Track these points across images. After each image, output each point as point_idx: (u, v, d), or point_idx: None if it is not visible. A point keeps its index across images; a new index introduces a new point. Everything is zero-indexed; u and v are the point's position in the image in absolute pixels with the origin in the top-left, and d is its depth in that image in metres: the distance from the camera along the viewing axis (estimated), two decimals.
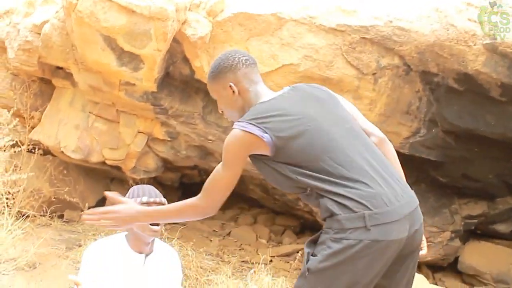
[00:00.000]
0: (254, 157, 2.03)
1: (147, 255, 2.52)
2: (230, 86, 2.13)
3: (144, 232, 2.44)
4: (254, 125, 1.96)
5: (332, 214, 1.87)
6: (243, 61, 2.16)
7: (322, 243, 1.89)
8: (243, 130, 1.97)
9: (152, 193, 2.54)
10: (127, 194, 2.55)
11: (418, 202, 2.01)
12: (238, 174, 2.05)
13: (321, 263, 1.86)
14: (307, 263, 1.91)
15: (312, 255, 1.91)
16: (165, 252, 2.64)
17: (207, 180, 2.05)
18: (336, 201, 1.86)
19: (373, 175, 1.93)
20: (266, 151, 1.96)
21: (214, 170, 2.05)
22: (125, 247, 2.49)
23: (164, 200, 2.56)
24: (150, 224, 2.41)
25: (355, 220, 1.83)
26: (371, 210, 1.83)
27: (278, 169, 1.98)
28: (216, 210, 2.05)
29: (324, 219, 1.96)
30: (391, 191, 1.92)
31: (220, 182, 2.03)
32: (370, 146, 2.08)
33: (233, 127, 2.01)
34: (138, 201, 2.44)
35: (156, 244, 2.60)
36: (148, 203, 2.46)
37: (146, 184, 2.73)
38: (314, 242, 1.96)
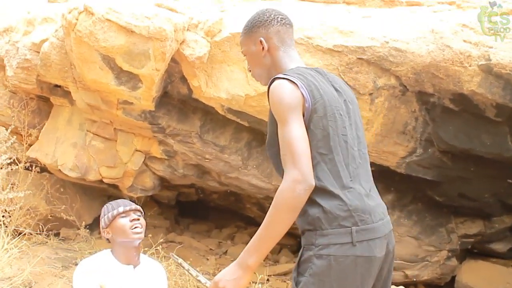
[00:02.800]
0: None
1: (135, 266, 2.57)
2: (261, 41, 2.03)
3: (128, 237, 2.51)
4: (294, 77, 1.88)
5: (316, 228, 1.81)
6: (278, 19, 2.07)
7: (307, 261, 1.82)
8: (285, 78, 1.87)
9: (126, 202, 2.63)
10: (101, 215, 2.62)
11: (392, 227, 2.01)
12: (303, 124, 1.83)
13: (312, 285, 1.78)
14: (297, 286, 1.82)
15: (298, 276, 1.83)
16: (152, 264, 2.70)
17: (282, 153, 1.82)
18: (327, 211, 1.80)
19: (367, 189, 1.92)
20: (302, 109, 1.85)
21: (280, 139, 1.83)
22: (113, 260, 2.54)
23: (139, 207, 2.64)
24: (131, 228, 2.50)
25: (342, 236, 1.79)
26: (358, 226, 1.80)
27: None
28: (311, 174, 1.75)
29: (303, 232, 1.89)
30: (378, 209, 1.92)
31: (294, 139, 1.79)
32: (367, 159, 2.05)
33: (270, 82, 1.90)
34: (115, 213, 2.53)
35: (143, 259, 2.65)
36: (125, 212, 2.55)
37: (143, 201, 2.79)
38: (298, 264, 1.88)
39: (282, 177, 1.85)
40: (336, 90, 2.00)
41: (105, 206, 2.64)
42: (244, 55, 2.16)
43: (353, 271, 1.79)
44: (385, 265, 1.93)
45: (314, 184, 1.76)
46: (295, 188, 1.73)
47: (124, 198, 5.41)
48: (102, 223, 2.59)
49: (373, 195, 1.96)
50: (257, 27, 2.06)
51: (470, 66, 3.77)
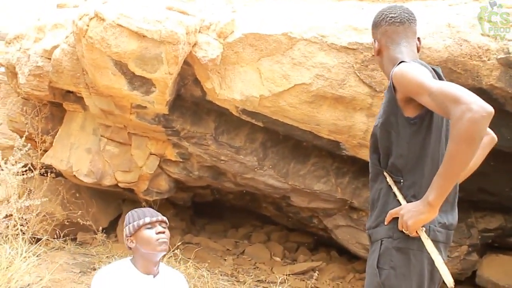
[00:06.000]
0: (404, 118, 1.93)
1: (154, 276, 2.51)
2: (373, 42, 2.16)
3: (153, 250, 2.44)
4: (421, 64, 1.96)
5: (394, 222, 1.89)
6: (387, 18, 2.11)
7: (386, 253, 1.89)
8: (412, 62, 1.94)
9: (153, 212, 2.54)
10: (125, 222, 2.55)
11: None
12: None
13: (394, 278, 1.86)
14: (380, 278, 1.90)
15: (379, 269, 1.89)
16: (172, 274, 2.64)
17: (440, 104, 1.75)
18: None
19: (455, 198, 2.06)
20: None
21: (429, 101, 1.80)
22: (133, 270, 2.48)
23: (165, 218, 2.57)
24: (157, 241, 2.42)
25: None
26: (435, 226, 1.88)
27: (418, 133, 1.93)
28: (483, 101, 1.67)
29: (379, 224, 1.96)
30: (456, 217, 2.02)
31: (444, 86, 1.76)
32: None
33: (397, 66, 1.94)
34: (140, 223, 2.46)
35: (161, 267, 2.60)
36: (151, 223, 2.47)
37: (158, 203, 2.72)
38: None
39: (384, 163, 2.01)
40: None
41: (129, 213, 2.56)
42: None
43: (424, 267, 1.87)
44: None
45: (491, 109, 1.66)
46: (468, 118, 1.65)
47: (140, 201, 5.38)
48: (126, 231, 2.51)
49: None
50: (372, 28, 2.18)
51: (488, 60, 3.69)
